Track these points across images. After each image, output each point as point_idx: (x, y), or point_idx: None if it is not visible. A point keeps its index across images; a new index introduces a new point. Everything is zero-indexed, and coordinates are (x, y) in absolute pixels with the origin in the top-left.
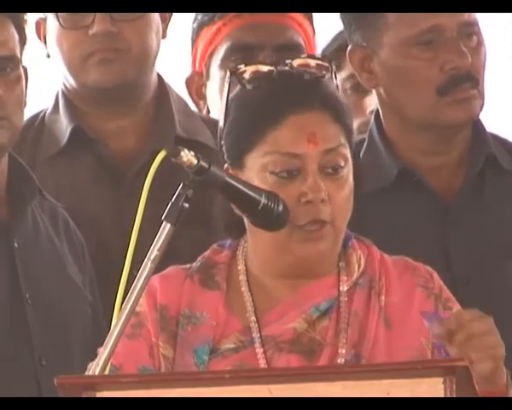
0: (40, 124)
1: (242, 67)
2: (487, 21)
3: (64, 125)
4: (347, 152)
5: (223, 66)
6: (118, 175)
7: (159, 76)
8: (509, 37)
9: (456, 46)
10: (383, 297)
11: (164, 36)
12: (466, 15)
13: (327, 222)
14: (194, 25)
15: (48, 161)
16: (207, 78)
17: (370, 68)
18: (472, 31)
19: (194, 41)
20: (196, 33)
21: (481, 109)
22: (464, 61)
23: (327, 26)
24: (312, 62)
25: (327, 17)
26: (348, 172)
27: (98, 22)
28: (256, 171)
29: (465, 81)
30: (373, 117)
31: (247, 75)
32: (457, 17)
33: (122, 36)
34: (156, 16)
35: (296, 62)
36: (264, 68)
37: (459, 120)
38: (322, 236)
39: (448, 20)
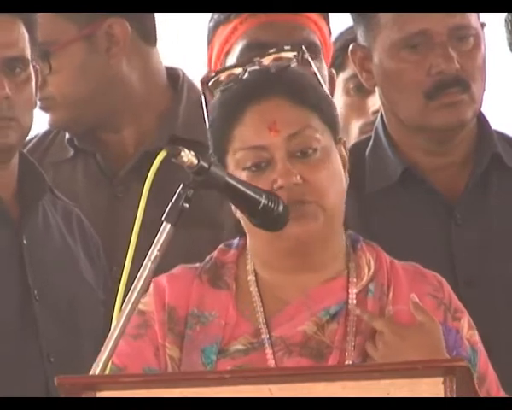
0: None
1: (213, 75)
2: (489, 21)
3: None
4: (320, 133)
5: None
6: (110, 176)
7: (174, 82)
8: None
9: (444, 50)
10: (390, 307)
11: (115, 58)
12: (459, 18)
13: (306, 202)
14: (211, 24)
15: (54, 164)
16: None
17: (370, 68)
18: (466, 34)
19: (210, 40)
20: (212, 32)
21: (475, 113)
22: (451, 65)
23: (337, 26)
24: (281, 55)
25: (336, 17)
26: (326, 155)
27: None
28: (232, 169)
29: (453, 85)
30: (379, 116)
31: (221, 83)
32: (449, 20)
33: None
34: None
35: (266, 59)
36: (236, 71)
37: (447, 125)
38: (305, 213)
39: (438, 24)
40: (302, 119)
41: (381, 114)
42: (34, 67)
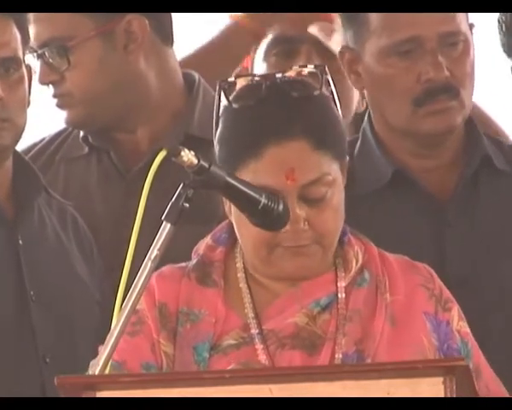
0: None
1: (233, 79)
2: (482, 21)
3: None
4: (332, 177)
5: (265, 59)
6: (124, 173)
7: (189, 86)
8: None
9: (433, 58)
10: (388, 295)
11: (133, 55)
12: (448, 25)
13: (307, 244)
14: None
15: (67, 160)
16: (252, 72)
17: (357, 71)
18: (455, 40)
19: None
20: None
21: (465, 118)
22: (440, 73)
23: None
24: (305, 72)
25: None
26: (333, 193)
27: None
28: None
29: (442, 93)
30: (366, 117)
31: (235, 89)
32: (438, 27)
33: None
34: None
35: (288, 74)
36: (254, 83)
37: (436, 130)
38: (304, 252)
39: (428, 31)
40: (320, 166)
41: (369, 115)
42: (27, 66)
